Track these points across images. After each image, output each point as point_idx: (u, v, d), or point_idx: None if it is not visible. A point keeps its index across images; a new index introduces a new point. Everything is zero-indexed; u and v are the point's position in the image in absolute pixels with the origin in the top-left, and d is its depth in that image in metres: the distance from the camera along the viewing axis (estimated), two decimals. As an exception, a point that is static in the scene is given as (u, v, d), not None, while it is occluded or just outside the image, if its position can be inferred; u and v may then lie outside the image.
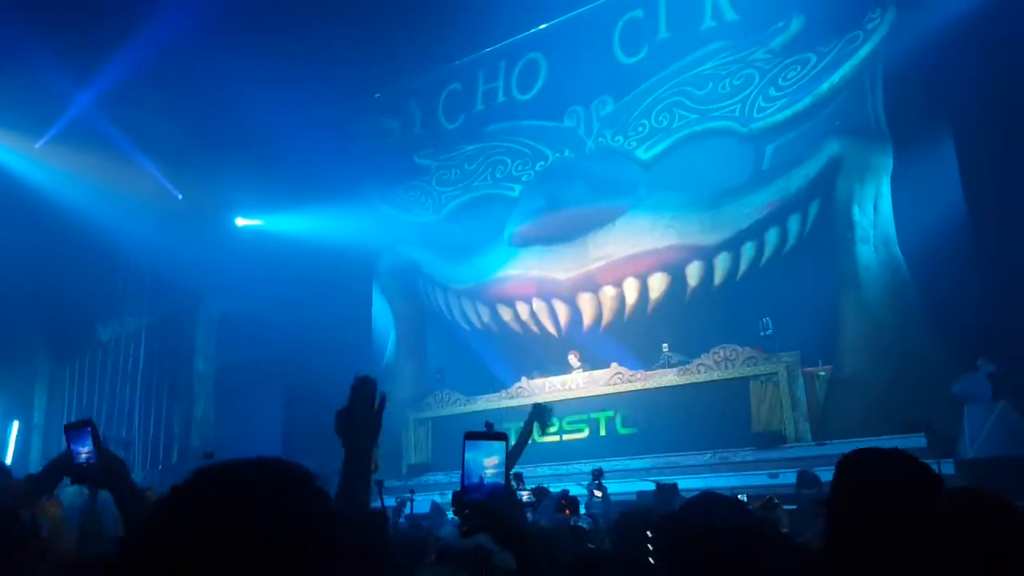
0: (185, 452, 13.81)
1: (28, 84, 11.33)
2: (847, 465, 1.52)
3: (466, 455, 1.76)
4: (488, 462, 1.76)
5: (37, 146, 12.51)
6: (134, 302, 14.98)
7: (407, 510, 8.87)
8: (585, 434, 10.14)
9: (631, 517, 3.08)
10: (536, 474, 9.10)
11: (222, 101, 12.35)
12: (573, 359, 10.70)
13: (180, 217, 13.52)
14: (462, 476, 1.76)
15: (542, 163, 12.40)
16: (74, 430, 1.95)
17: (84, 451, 1.93)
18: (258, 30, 11.42)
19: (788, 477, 8.07)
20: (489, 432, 1.85)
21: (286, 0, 11.59)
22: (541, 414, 6.08)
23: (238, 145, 13.07)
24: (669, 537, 1.63)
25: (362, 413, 1.77)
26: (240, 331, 13.69)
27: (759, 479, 8.54)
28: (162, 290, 14.36)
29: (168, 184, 13.79)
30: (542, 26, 12.46)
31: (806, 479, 7.88)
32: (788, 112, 9.86)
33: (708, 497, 1.73)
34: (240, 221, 14.45)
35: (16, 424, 13.99)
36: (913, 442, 8.22)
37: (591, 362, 10.69)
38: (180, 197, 13.95)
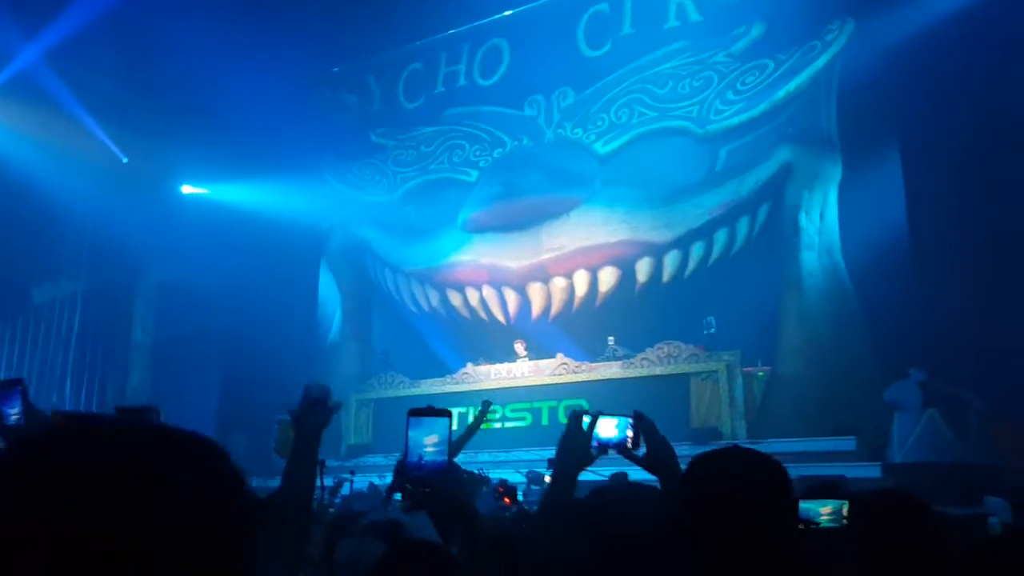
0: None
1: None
2: (695, 467, 1.44)
3: (409, 432, 1.75)
4: (429, 440, 1.76)
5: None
6: (71, 266, 14.30)
7: (345, 490, 8.67)
8: (528, 423, 10.07)
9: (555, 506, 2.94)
10: (476, 460, 8.99)
11: (175, 65, 11.86)
12: (519, 347, 10.62)
13: (124, 181, 12.94)
14: (404, 453, 1.75)
15: (500, 150, 12.23)
16: (3, 390, 1.88)
17: (13, 413, 1.87)
18: None
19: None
20: (432, 410, 1.81)
21: None
22: (486, 410, 6.05)
23: (189, 111, 12.59)
24: (581, 527, 1.61)
25: (313, 419, 1.84)
26: (181, 302, 13.21)
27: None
28: (101, 255, 13.71)
29: (113, 146, 13.19)
30: (507, 12, 12.25)
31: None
32: (744, 116, 9.90)
33: (617, 488, 1.72)
34: (186, 189, 13.91)
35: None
36: (843, 444, 8.41)
37: (538, 352, 10.62)
38: (125, 160, 13.35)
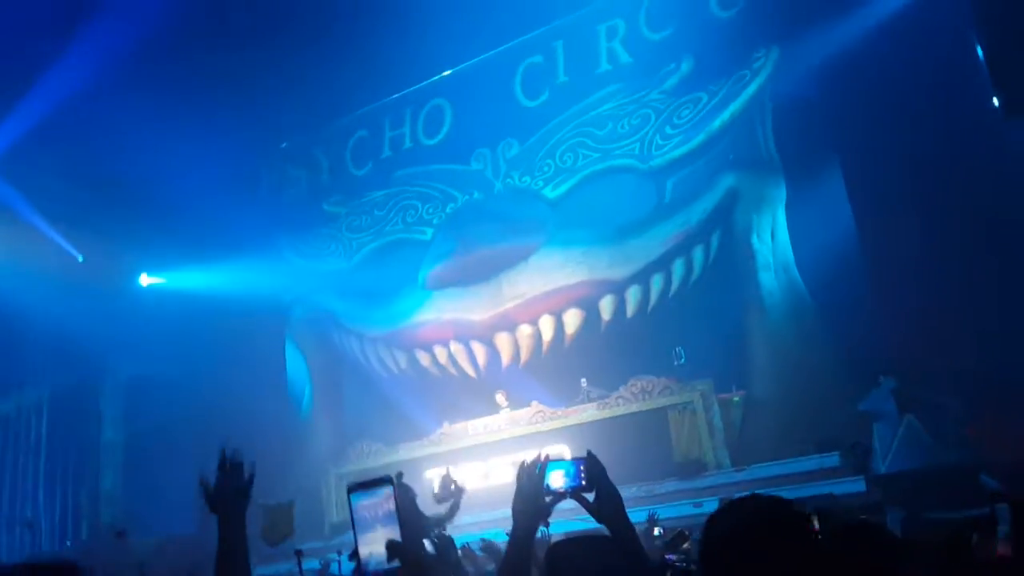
0: (95, 528, 12.38)
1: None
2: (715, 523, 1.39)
3: (353, 509, 1.64)
4: (375, 509, 1.66)
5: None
6: (35, 372, 13.47)
7: (333, 569, 7.97)
8: (512, 478, 9.45)
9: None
10: (461, 523, 8.33)
11: (120, 157, 11.46)
12: (500, 398, 10.05)
13: (82, 280, 12.29)
14: (355, 543, 1.62)
15: (452, 205, 11.85)
16: None
17: None
18: (156, 83, 10.61)
19: (711, 505, 7.65)
20: (372, 482, 1.71)
21: (185, 52, 10.77)
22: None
23: (139, 201, 12.06)
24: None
25: (231, 489, 1.76)
26: (150, 395, 12.46)
27: (685, 509, 8.07)
28: (65, 357, 12.93)
29: (68, 246, 12.56)
30: (446, 72, 11.99)
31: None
32: (684, 148, 9.69)
33: (579, 541, 1.63)
34: (145, 279, 13.25)
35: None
36: (827, 461, 7.98)
37: (513, 402, 10.07)
38: (80, 259, 12.71)
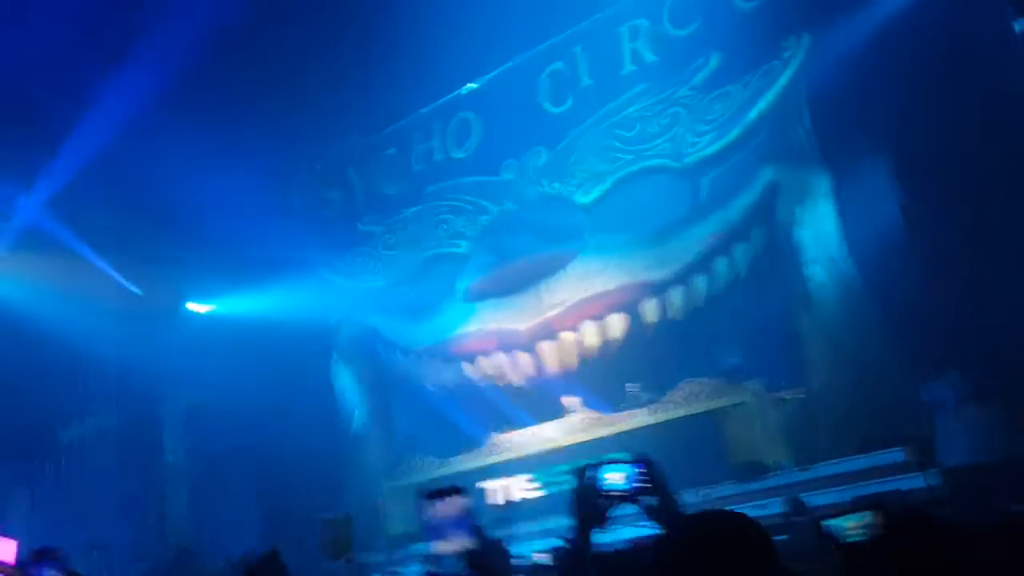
0: (163, 550, 12.41)
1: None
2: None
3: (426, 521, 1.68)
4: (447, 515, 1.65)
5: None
6: (98, 402, 13.57)
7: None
8: (571, 485, 9.11)
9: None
10: (516, 533, 8.03)
11: (163, 188, 11.39)
12: (570, 402, 9.69)
13: (137, 311, 12.35)
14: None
15: (485, 217, 11.51)
16: (39, 561, 1.81)
17: None
18: (193, 115, 10.53)
19: (775, 507, 7.25)
20: (444, 490, 1.71)
21: (219, 81, 10.71)
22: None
23: (184, 231, 12.06)
24: None
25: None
26: (208, 420, 12.45)
27: (748, 512, 7.66)
28: (127, 386, 13.01)
29: (122, 279, 12.62)
30: (471, 85, 11.65)
31: (794, 507, 7.11)
32: (719, 144, 9.19)
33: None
34: (193, 307, 13.22)
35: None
36: (892, 457, 7.50)
37: (558, 410, 9.76)
38: (137, 291, 12.79)
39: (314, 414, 11.61)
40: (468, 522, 1.64)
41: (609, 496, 1.63)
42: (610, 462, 1.66)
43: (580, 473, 1.68)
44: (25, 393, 12.54)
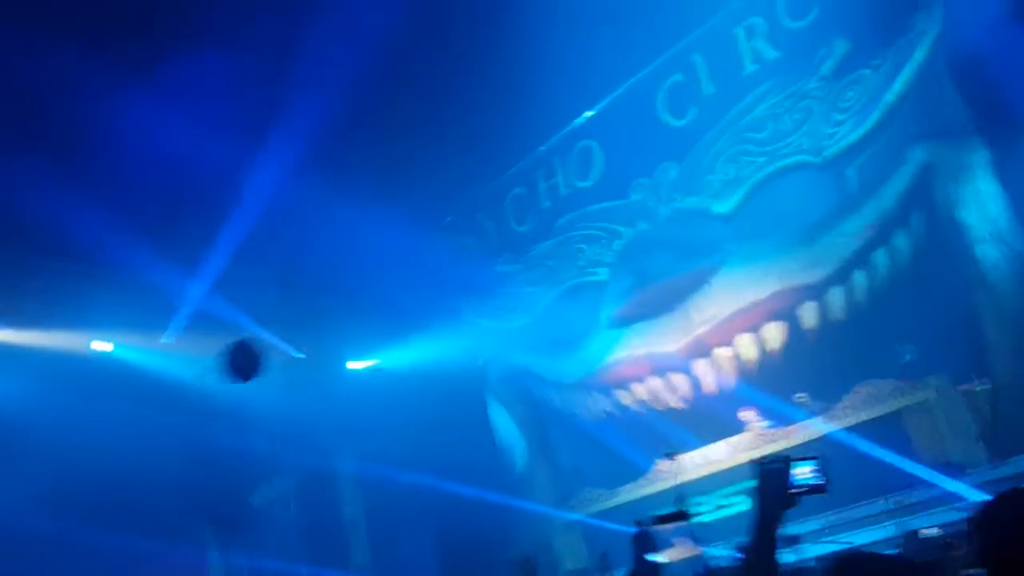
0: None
1: (141, 288, 11.87)
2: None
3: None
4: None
5: (163, 341, 13.11)
6: (277, 465, 15.22)
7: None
8: (744, 507, 9.36)
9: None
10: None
11: (313, 258, 12.69)
12: (747, 415, 9.98)
13: (300, 374, 13.81)
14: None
15: (620, 242, 12.06)
16: None
17: None
18: (332, 183, 11.61)
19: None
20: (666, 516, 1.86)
21: (353, 149, 11.84)
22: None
23: (339, 294, 13.37)
24: None
25: None
26: (378, 472, 13.65)
27: (946, 515, 7.59)
28: (301, 447, 14.54)
29: (285, 346, 14.15)
30: (588, 113, 12.35)
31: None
32: (859, 131, 9.24)
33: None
34: (353, 365, 14.63)
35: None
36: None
37: (722, 429, 10.01)
38: (299, 355, 14.27)
39: (477, 454, 12.50)
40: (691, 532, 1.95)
41: (800, 489, 1.76)
42: (794, 459, 1.79)
43: (766, 466, 1.79)
44: (214, 465, 14.38)
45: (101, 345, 11.94)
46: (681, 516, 1.83)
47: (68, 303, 11.41)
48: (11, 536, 9.75)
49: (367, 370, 14.43)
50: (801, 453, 1.96)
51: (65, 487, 10.43)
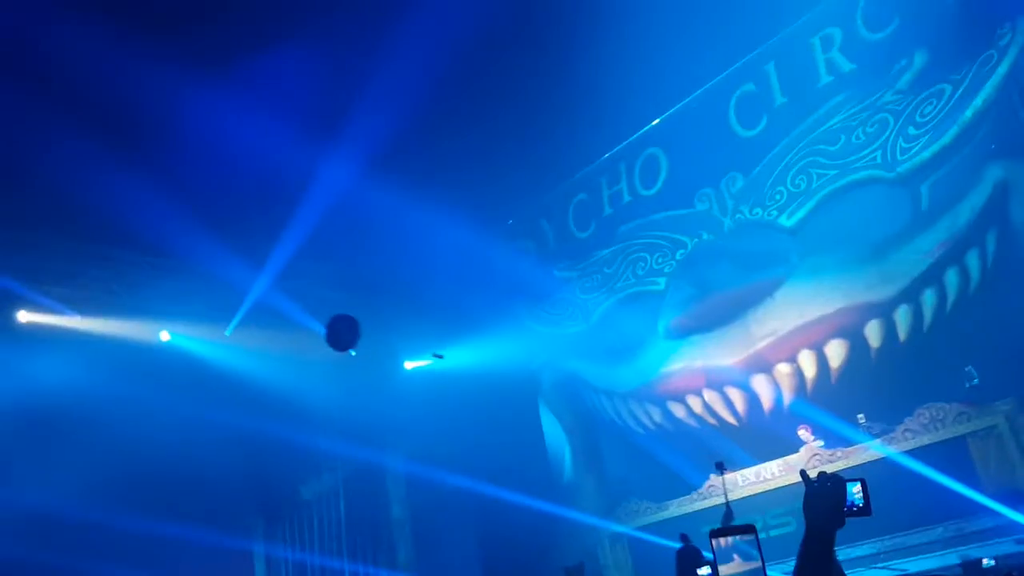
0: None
1: (206, 280, 12.38)
2: None
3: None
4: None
5: (227, 334, 13.65)
6: (328, 460, 15.60)
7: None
8: (792, 528, 9.21)
9: None
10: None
11: (375, 257, 13.04)
12: (804, 434, 9.87)
13: (354, 371, 14.14)
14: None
15: (682, 251, 12.06)
16: None
17: None
18: (398, 182, 11.96)
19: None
20: (730, 528, 1.95)
21: (417, 150, 12.12)
22: None
23: (395, 291, 13.69)
24: None
25: None
26: (427, 471, 13.87)
27: (1006, 547, 7.34)
28: (352, 443, 14.87)
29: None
30: (655, 122, 12.41)
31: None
32: (935, 147, 9.06)
33: None
34: (410, 364, 14.93)
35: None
36: None
37: (777, 448, 9.87)
38: (353, 353, 14.62)
39: (526, 459, 12.61)
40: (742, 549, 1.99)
41: (849, 510, 1.77)
42: (846, 480, 1.79)
43: (821, 479, 1.79)
44: (269, 457, 14.85)
45: (166, 335, 12.40)
46: (747, 529, 1.83)
47: (134, 293, 11.85)
48: (68, 523, 10.25)
49: (421, 369, 14.70)
50: (859, 475, 1.96)
51: (121, 474, 10.75)
